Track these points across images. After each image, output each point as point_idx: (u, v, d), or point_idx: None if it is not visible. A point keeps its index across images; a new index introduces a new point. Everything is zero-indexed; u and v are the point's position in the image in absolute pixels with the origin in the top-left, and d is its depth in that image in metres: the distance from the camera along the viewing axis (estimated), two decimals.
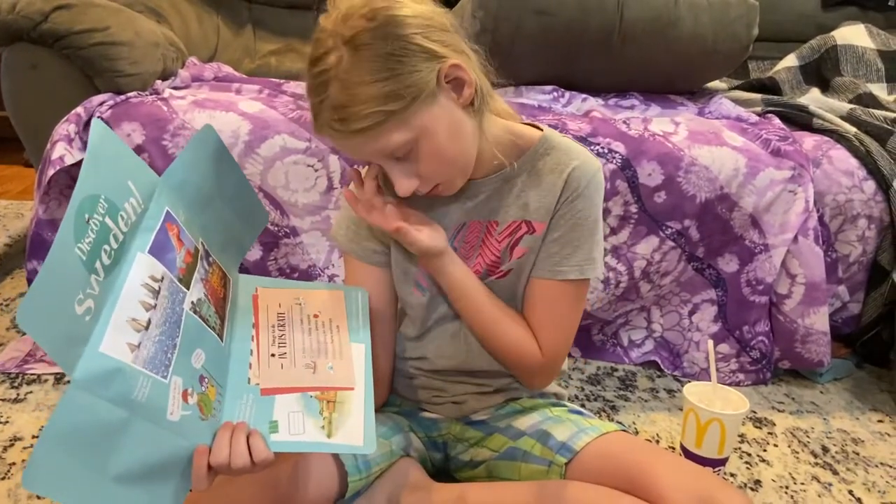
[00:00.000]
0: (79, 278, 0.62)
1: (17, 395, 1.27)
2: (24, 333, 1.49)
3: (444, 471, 1.03)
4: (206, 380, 0.74)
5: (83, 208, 0.64)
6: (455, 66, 0.77)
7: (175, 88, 1.49)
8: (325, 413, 0.77)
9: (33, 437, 1.16)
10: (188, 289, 0.76)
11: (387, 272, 0.95)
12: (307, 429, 0.75)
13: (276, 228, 1.38)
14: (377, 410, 0.99)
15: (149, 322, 0.69)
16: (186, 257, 0.77)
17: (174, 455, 0.69)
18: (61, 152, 1.26)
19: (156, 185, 0.76)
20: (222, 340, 0.79)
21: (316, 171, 1.37)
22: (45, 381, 1.32)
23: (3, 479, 1.05)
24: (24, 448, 1.13)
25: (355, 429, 0.77)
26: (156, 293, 0.71)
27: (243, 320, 0.84)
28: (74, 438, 0.61)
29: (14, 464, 1.09)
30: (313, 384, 0.79)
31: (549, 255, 0.90)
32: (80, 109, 1.32)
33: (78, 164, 1.30)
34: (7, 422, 1.19)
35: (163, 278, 0.72)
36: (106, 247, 0.66)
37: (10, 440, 1.15)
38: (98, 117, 1.30)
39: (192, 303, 0.76)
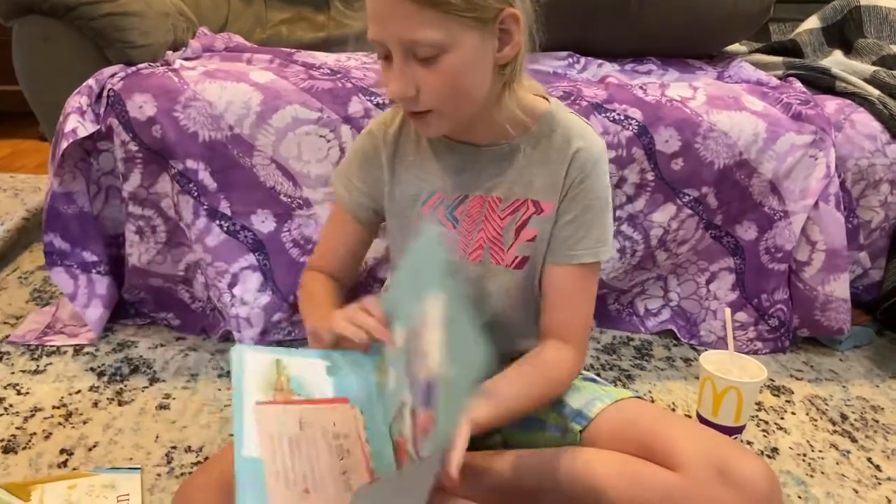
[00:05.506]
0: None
1: (37, 366, 1.29)
2: (43, 305, 1.50)
3: None
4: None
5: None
6: (515, 16, 0.76)
7: (186, 59, 1.48)
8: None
9: (53, 407, 1.17)
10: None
11: (363, 230, 0.99)
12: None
13: (289, 200, 1.38)
14: None
15: None
16: None
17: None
18: (74, 125, 1.26)
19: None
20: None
21: (328, 141, 1.35)
22: (65, 352, 1.34)
23: (25, 448, 1.07)
24: (45, 419, 1.14)
25: None
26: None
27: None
28: None
29: (35, 434, 1.11)
30: None
31: (562, 238, 0.89)
32: (91, 81, 1.32)
33: (90, 137, 1.30)
34: (28, 393, 1.21)
35: None
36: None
37: (31, 411, 1.16)
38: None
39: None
